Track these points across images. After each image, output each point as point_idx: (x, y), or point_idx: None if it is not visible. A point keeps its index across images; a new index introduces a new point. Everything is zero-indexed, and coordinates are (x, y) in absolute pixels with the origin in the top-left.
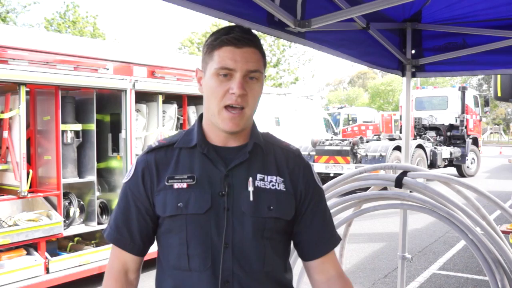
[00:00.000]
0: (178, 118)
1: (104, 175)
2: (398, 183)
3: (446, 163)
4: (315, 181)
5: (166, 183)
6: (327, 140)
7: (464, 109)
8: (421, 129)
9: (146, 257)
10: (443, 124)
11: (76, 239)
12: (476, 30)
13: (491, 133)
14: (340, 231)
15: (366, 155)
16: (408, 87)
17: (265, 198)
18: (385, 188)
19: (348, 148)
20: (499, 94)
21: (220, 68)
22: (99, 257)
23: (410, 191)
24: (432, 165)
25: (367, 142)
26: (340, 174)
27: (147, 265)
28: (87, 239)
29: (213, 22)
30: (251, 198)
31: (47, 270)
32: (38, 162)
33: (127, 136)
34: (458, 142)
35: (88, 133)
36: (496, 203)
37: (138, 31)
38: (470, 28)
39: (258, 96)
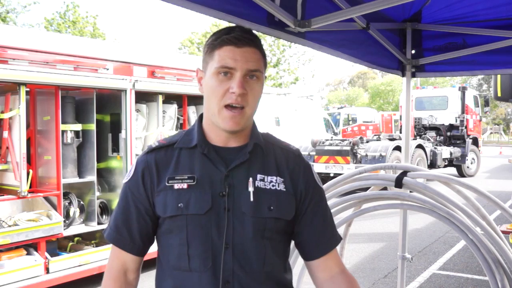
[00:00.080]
0: (178, 118)
1: (104, 175)
2: (398, 183)
3: (446, 163)
4: (315, 181)
5: (167, 184)
6: (327, 140)
7: (464, 109)
8: (421, 129)
9: (146, 257)
10: (443, 124)
11: (76, 239)
12: (476, 30)
13: (491, 133)
14: (340, 231)
15: (366, 155)
16: (408, 87)
17: (265, 199)
18: (385, 188)
19: (348, 148)
20: (499, 94)
21: (221, 67)
22: (99, 257)
23: (410, 191)
24: (432, 165)
25: (367, 142)
26: (340, 174)
27: (147, 265)
28: (87, 239)
29: (213, 22)
30: (252, 199)
31: (47, 270)
32: (38, 162)
33: (127, 136)
34: (458, 142)
35: (88, 133)
36: (496, 203)
37: (138, 31)
38: (470, 28)
39: (258, 95)
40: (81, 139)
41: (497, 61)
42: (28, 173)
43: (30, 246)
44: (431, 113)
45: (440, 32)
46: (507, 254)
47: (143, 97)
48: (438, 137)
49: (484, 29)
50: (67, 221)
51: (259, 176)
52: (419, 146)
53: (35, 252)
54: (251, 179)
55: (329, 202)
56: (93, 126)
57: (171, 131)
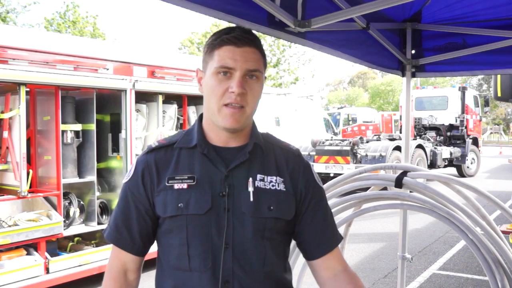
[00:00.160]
0: (178, 118)
1: (104, 175)
2: (398, 183)
3: (446, 163)
4: (315, 181)
5: (167, 184)
6: (327, 140)
7: (464, 109)
8: (421, 129)
9: (146, 257)
10: (443, 124)
11: (76, 239)
12: (476, 30)
13: (491, 133)
14: (340, 231)
15: (366, 155)
16: (408, 87)
17: (265, 199)
18: (385, 188)
19: (348, 148)
20: (499, 94)
21: (220, 67)
22: (99, 257)
23: (410, 191)
24: (432, 165)
25: (367, 142)
26: (340, 174)
27: (147, 265)
28: (87, 239)
29: (213, 22)
30: (251, 199)
31: (47, 270)
32: (38, 162)
33: (127, 136)
34: (458, 142)
35: (88, 133)
36: (496, 203)
37: (138, 31)
38: (470, 28)
39: (257, 95)
40: (81, 139)
41: (497, 61)
42: (28, 173)
43: (30, 246)
44: (431, 113)
45: (440, 32)
46: (507, 254)
47: (143, 97)
48: (438, 137)
49: (484, 29)
50: (67, 221)
51: (259, 176)
52: (419, 146)
53: (35, 252)
54: (251, 179)
55: (329, 202)
56: (93, 126)
57: (171, 131)
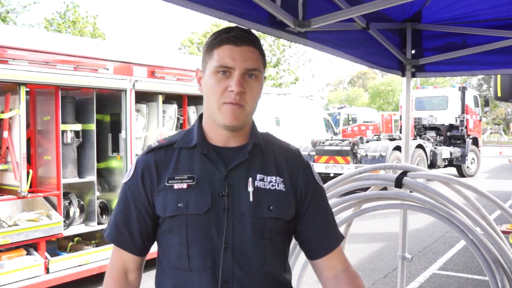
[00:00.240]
0: (178, 118)
1: (104, 175)
2: (398, 183)
3: (446, 163)
4: (315, 180)
5: (166, 184)
6: (327, 140)
7: (464, 109)
8: (421, 129)
9: (146, 257)
10: (443, 124)
11: (76, 239)
12: (476, 30)
13: (491, 133)
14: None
15: (366, 155)
16: (408, 87)
17: (265, 199)
18: (385, 188)
19: (348, 148)
20: (499, 94)
21: (219, 67)
22: (99, 257)
23: (410, 191)
24: (432, 165)
25: (367, 142)
26: (340, 174)
27: (147, 265)
28: (87, 239)
29: (213, 22)
30: (251, 199)
31: (47, 270)
32: (38, 162)
33: (127, 136)
34: (458, 142)
35: (88, 133)
36: (496, 203)
37: (138, 31)
38: (470, 28)
39: (257, 94)
40: (81, 139)
41: (497, 61)
42: (28, 173)
43: (30, 246)
44: (431, 113)
45: (440, 32)
46: (507, 254)
47: (143, 97)
48: (438, 137)
49: (484, 29)
50: (67, 221)
51: (258, 176)
52: (419, 146)
53: (35, 252)
54: (250, 179)
55: (329, 202)
56: (93, 126)
57: (171, 131)
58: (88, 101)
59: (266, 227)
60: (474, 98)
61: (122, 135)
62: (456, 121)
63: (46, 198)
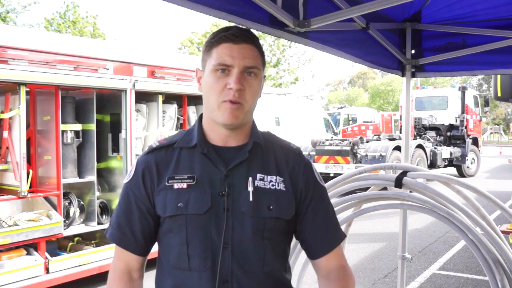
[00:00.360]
0: (178, 118)
1: (104, 175)
2: (398, 183)
3: (446, 163)
4: (316, 179)
5: (166, 183)
6: (327, 140)
7: (464, 109)
8: (421, 129)
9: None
10: (443, 124)
11: (76, 239)
12: (476, 30)
13: (491, 133)
14: None
15: (366, 155)
16: (408, 87)
17: (265, 198)
18: (385, 188)
19: (348, 148)
20: (499, 94)
21: (218, 65)
22: (99, 257)
23: (410, 191)
24: (432, 165)
25: (367, 142)
26: (340, 174)
27: (147, 265)
28: (87, 239)
29: (213, 22)
30: (251, 198)
31: (47, 270)
32: (38, 162)
33: (127, 136)
34: (458, 142)
35: (88, 133)
36: (496, 203)
37: (138, 31)
38: (470, 28)
39: (256, 92)
40: (81, 139)
41: (497, 61)
42: (28, 173)
43: (30, 246)
44: (431, 113)
45: (440, 32)
46: (507, 254)
47: (143, 97)
48: (438, 137)
49: (484, 29)
50: (67, 221)
51: (258, 176)
52: (419, 146)
53: (35, 252)
54: (250, 178)
55: None
56: (93, 126)
57: (171, 131)
58: (88, 101)
59: (266, 227)
60: (474, 98)
61: (122, 135)
62: (456, 121)
63: (46, 198)
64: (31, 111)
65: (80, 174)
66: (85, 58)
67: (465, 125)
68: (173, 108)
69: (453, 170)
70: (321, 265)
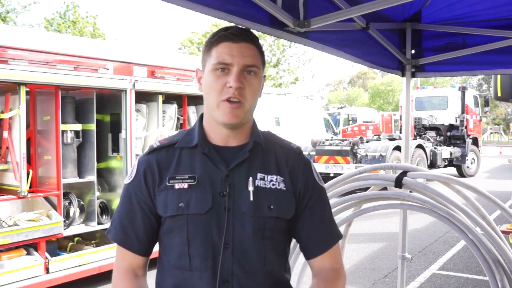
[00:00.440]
0: (178, 118)
1: (104, 175)
2: (398, 183)
3: (446, 163)
4: (315, 179)
5: (167, 183)
6: (327, 140)
7: (464, 109)
8: (421, 129)
9: None
10: (443, 124)
11: (76, 239)
12: (476, 30)
13: (491, 133)
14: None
15: (366, 155)
16: (408, 87)
17: (265, 198)
18: (385, 188)
19: (348, 148)
20: (499, 94)
21: (218, 64)
22: (99, 257)
23: (410, 191)
24: (432, 165)
25: (367, 142)
26: (340, 174)
27: (148, 265)
28: (87, 239)
29: (213, 22)
30: (251, 198)
31: (47, 270)
32: (38, 162)
33: (127, 136)
34: (458, 142)
35: (88, 133)
36: (496, 203)
37: (138, 31)
38: (470, 28)
39: (256, 91)
40: (81, 139)
41: (497, 61)
42: (28, 173)
43: (30, 246)
44: (431, 113)
45: (440, 32)
46: (507, 254)
47: (143, 97)
48: (438, 137)
49: (484, 29)
50: (67, 221)
51: (259, 175)
52: (419, 146)
53: (35, 252)
54: (251, 178)
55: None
56: (93, 126)
57: (171, 131)
58: (88, 101)
59: (266, 227)
60: (474, 98)
61: (122, 135)
62: (456, 121)
63: (46, 198)
64: (31, 111)
65: (80, 174)
66: (85, 58)
67: (465, 125)
68: (173, 108)
69: (453, 170)
70: (315, 265)
